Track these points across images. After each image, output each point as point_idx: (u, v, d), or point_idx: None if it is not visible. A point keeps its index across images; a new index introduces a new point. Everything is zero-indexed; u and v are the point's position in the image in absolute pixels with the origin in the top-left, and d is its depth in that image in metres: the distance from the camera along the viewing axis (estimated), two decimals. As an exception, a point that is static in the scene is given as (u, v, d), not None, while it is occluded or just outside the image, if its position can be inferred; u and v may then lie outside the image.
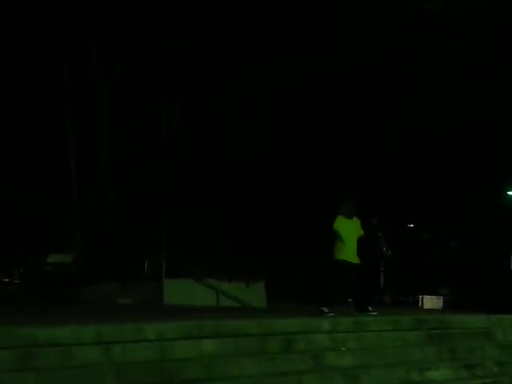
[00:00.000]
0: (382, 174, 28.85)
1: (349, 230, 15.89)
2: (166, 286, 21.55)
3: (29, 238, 30.70)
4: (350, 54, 26.70)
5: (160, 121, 25.09)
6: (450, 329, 14.89)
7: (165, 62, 25.04)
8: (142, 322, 11.16)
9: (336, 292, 16.58)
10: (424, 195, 29.66)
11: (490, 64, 28.22)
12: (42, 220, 29.20)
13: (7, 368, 9.13)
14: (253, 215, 25.78)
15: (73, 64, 24.73)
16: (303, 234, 27.53)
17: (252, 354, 11.36)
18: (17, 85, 25.67)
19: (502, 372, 13.78)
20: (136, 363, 10.13)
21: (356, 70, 27.13)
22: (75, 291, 21.72)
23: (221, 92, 25.38)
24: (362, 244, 16.19)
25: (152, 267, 22.67)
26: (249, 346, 11.52)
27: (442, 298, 27.00)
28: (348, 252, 15.85)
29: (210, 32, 24.92)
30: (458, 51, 27.86)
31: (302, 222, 27.81)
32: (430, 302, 26.26)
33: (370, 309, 15.90)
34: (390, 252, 25.77)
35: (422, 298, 26.36)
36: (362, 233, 16.14)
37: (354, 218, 16.03)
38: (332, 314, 14.94)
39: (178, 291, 21.07)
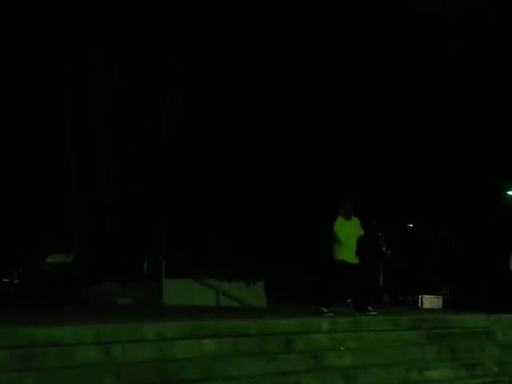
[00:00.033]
0: (382, 174, 28.85)
1: (348, 230, 15.92)
2: (166, 286, 21.55)
3: (29, 238, 30.73)
4: (350, 53, 26.70)
5: (160, 121, 25.08)
6: (450, 328, 14.89)
7: (165, 61, 25.04)
8: (141, 322, 11.17)
9: (336, 292, 16.61)
10: (424, 195, 29.66)
11: (489, 64, 28.22)
12: (42, 220, 29.22)
13: (7, 368, 9.14)
14: (253, 215, 25.78)
15: (73, 64, 24.72)
16: (303, 233, 27.53)
17: (251, 353, 11.36)
18: (17, 85, 25.67)
19: (502, 371, 13.79)
20: (135, 363, 10.14)
21: (356, 70, 27.13)
22: (75, 291, 21.73)
23: (221, 92, 25.37)
24: (361, 244, 16.21)
25: (152, 267, 22.67)
26: (248, 345, 11.52)
27: (441, 297, 27.00)
28: (347, 252, 15.88)
29: (210, 32, 24.92)
30: (458, 51, 27.86)
31: (302, 222, 27.81)
32: (430, 301, 26.26)
33: (369, 308, 15.92)
34: (389, 252, 25.80)
35: (422, 297, 26.35)
36: (362, 232, 16.16)
37: (353, 218, 16.05)
38: (331, 314, 14.95)
39: (178, 291, 21.07)
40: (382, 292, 26.67)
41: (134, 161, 24.67)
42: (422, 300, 26.34)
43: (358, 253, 16.01)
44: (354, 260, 15.90)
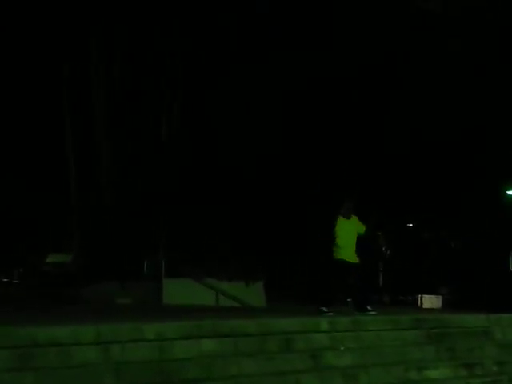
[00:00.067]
0: (382, 174, 28.86)
1: (348, 230, 15.96)
2: (166, 285, 21.55)
3: (29, 238, 30.73)
4: (350, 53, 26.71)
5: (160, 121, 25.10)
6: (449, 328, 14.89)
7: (165, 62, 25.06)
8: (141, 322, 11.17)
9: (336, 292, 16.63)
10: (424, 195, 29.67)
11: (490, 64, 28.22)
12: (42, 220, 29.23)
13: (7, 368, 9.15)
14: (253, 215, 25.79)
15: (73, 64, 24.74)
16: (303, 233, 27.54)
17: (251, 353, 11.37)
18: (17, 85, 25.69)
19: (501, 371, 13.80)
20: (135, 363, 10.14)
21: (356, 70, 27.14)
22: (75, 291, 21.74)
23: (221, 92, 25.38)
24: (361, 243, 16.24)
25: (151, 267, 22.68)
26: (248, 345, 11.53)
27: (441, 297, 26.98)
28: (347, 252, 15.91)
29: (210, 32, 24.93)
30: (458, 51, 27.86)
31: (302, 222, 27.82)
32: (429, 301, 26.24)
33: (369, 308, 15.93)
34: (389, 252, 25.81)
35: (421, 297, 26.33)
36: (363, 228, 16.19)
37: (353, 217, 16.10)
38: (331, 314, 14.96)
39: (178, 291, 21.08)
40: (382, 292, 26.66)
41: (134, 161, 24.69)
42: (421, 300, 26.32)
43: (358, 252, 16.05)
44: (354, 259, 15.93)
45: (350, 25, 26.76)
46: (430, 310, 23.68)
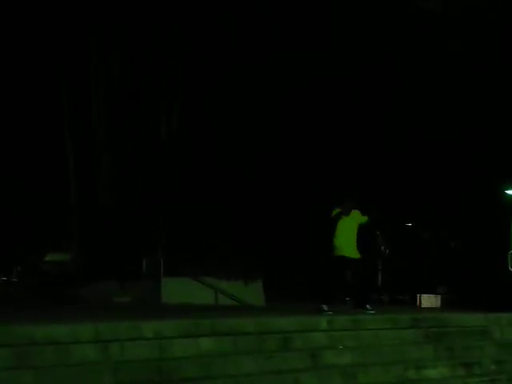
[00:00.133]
0: (382, 174, 28.85)
1: (348, 226, 16.06)
2: (164, 284, 21.54)
3: (28, 238, 30.73)
4: (350, 53, 26.69)
5: (160, 121, 25.08)
6: (448, 327, 14.92)
7: (165, 62, 25.04)
8: (139, 321, 11.19)
9: (336, 291, 16.66)
10: (424, 195, 29.66)
11: (490, 64, 28.21)
12: (42, 220, 29.23)
13: (5, 366, 9.15)
14: (252, 215, 25.77)
15: (72, 64, 24.73)
16: (303, 233, 27.54)
17: (249, 352, 11.39)
18: (16, 85, 25.68)
19: (500, 370, 13.82)
20: (133, 361, 10.15)
21: (356, 70, 27.13)
22: (74, 290, 21.74)
23: (221, 92, 25.37)
24: (361, 242, 16.28)
25: (150, 266, 22.66)
26: (246, 344, 11.55)
27: (439, 296, 26.96)
28: (348, 248, 16.02)
29: (210, 32, 24.92)
30: (458, 51, 27.85)
31: (301, 222, 27.81)
32: (428, 300, 26.22)
33: (368, 307, 15.96)
34: (387, 251, 25.80)
35: (420, 296, 26.32)
36: (365, 219, 16.27)
37: (352, 212, 16.21)
38: (331, 313, 14.99)
39: (176, 290, 21.06)
40: (381, 291, 26.64)
41: (134, 161, 24.67)
42: (420, 299, 26.30)
43: (360, 249, 16.14)
44: (354, 255, 16.03)
45: (349, 25, 26.75)
46: (429, 310, 23.68)
